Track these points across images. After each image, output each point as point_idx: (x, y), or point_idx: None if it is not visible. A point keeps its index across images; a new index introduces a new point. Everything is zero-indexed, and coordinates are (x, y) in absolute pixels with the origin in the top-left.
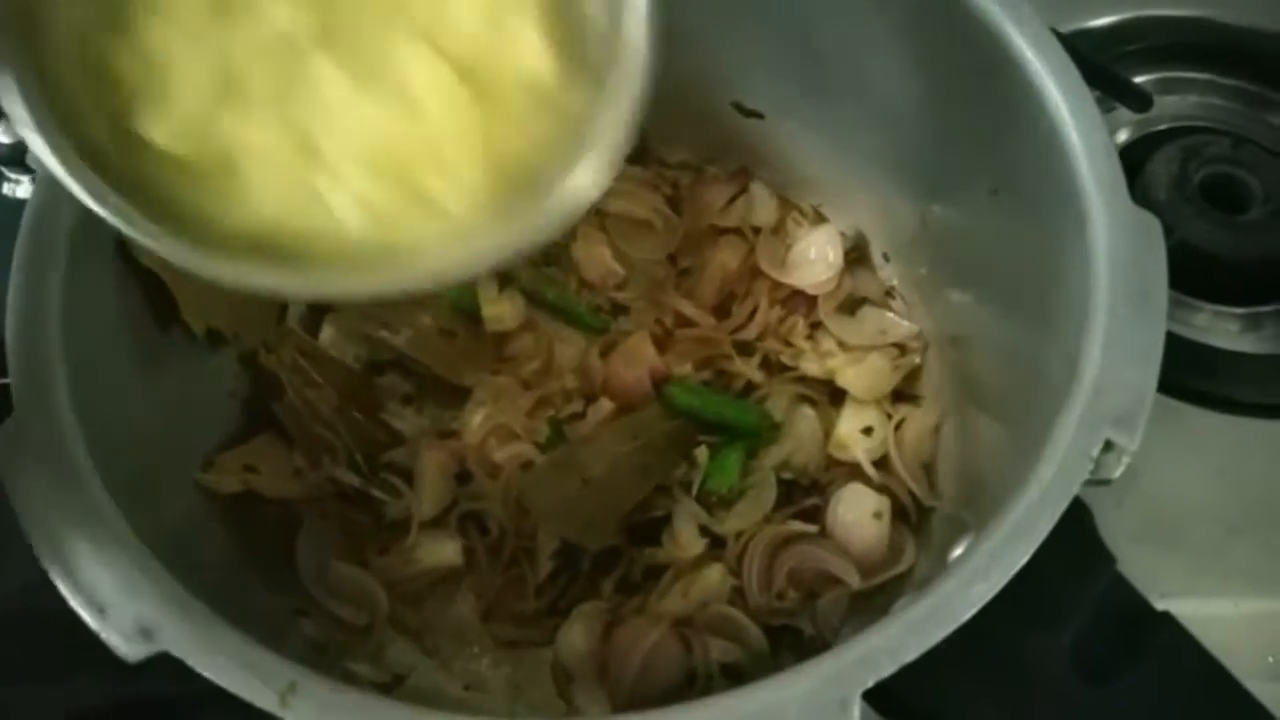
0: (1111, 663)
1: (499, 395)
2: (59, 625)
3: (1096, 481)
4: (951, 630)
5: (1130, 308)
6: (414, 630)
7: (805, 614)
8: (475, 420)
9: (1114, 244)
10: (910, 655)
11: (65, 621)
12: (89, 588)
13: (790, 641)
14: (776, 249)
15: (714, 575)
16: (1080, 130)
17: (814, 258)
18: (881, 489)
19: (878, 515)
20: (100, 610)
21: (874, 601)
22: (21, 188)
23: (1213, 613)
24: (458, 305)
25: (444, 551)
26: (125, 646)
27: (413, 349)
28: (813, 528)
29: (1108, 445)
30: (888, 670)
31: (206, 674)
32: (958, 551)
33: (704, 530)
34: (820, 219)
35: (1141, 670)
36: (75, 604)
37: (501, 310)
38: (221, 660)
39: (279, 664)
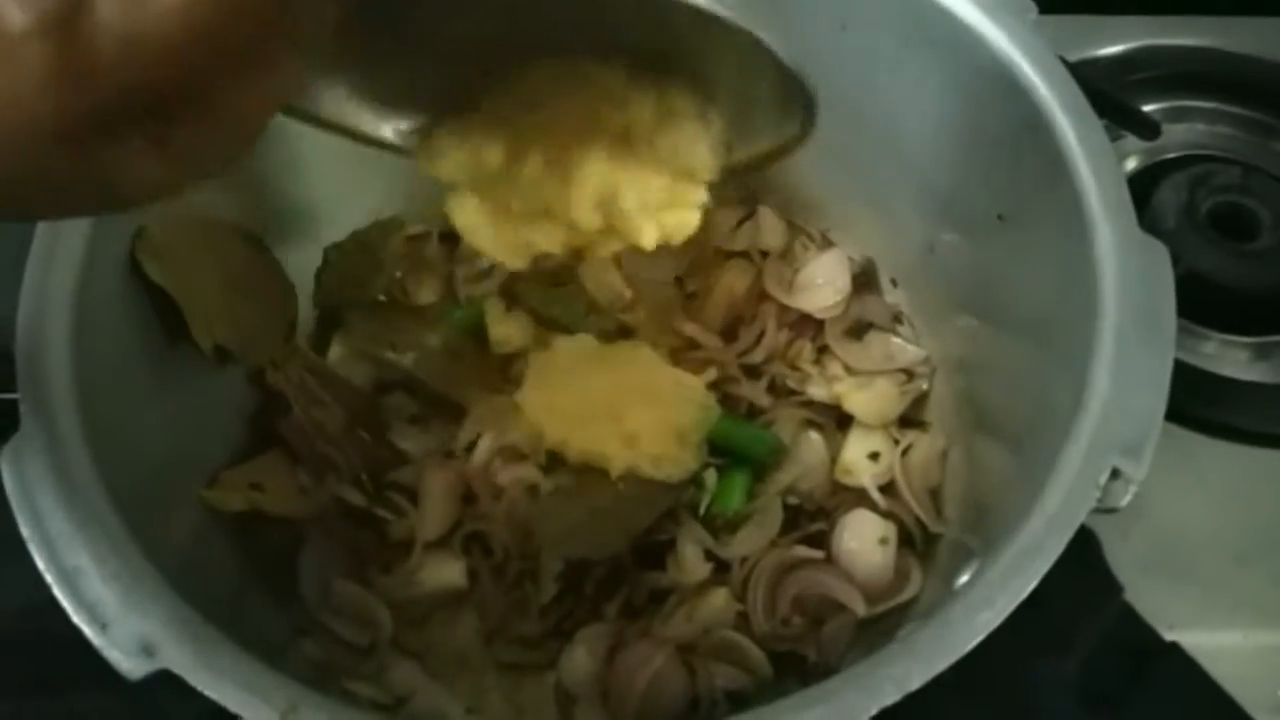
0: (1118, 693)
1: (499, 416)
2: (62, 641)
3: (1103, 510)
4: (957, 658)
5: (1138, 335)
6: (416, 651)
7: (810, 640)
8: (482, 443)
9: (1122, 271)
10: (915, 683)
11: (69, 638)
12: (92, 604)
13: (795, 668)
14: (784, 273)
15: (719, 600)
16: (1089, 158)
17: (822, 282)
18: (888, 515)
19: (884, 541)
20: (102, 627)
21: (879, 628)
22: None
23: (1221, 644)
24: (465, 326)
25: (447, 572)
26: (127, 663)
27: (419, 370)
28: (818, 553)
29: (1115, 474)
30: (892, 698)
31: (207, 693)
32: (964, 578)
33: (709, 554)
34: (828, 243)
35: (1148, 701)
36: (78, 620)
37: (508, 331)
38: (222, 679)
39: (280, 684)
